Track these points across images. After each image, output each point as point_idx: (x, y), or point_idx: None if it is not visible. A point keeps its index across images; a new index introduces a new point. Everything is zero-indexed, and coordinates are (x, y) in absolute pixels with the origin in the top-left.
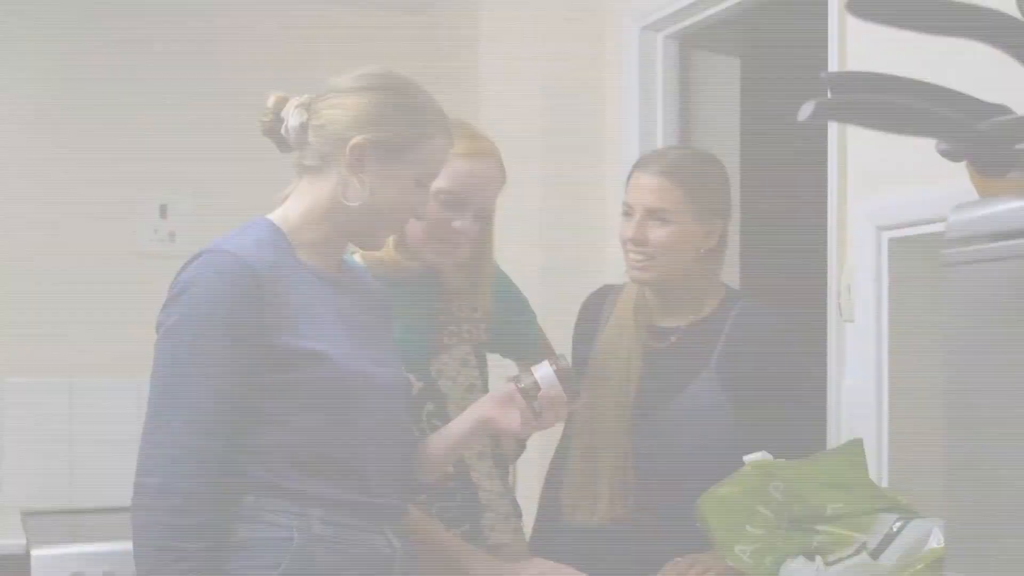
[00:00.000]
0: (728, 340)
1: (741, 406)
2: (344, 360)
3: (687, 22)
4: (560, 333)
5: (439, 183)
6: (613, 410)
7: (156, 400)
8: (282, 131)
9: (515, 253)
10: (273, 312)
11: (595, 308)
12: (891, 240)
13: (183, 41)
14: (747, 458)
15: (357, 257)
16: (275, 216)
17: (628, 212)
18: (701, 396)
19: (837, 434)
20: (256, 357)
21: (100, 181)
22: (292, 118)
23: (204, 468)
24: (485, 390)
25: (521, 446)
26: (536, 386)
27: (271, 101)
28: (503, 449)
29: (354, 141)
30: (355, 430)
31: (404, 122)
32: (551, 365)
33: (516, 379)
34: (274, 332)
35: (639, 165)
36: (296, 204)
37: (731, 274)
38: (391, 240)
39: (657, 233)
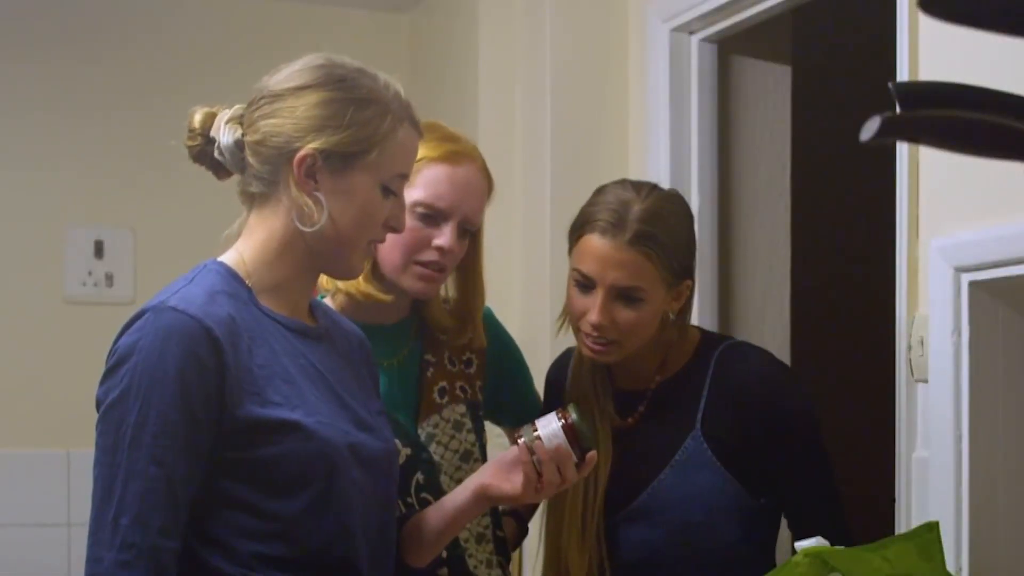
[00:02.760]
0: (712, 395)
1: (744, 474)
2: (323, 429)
3: (726, 23)
4: None
5: (413, 194)
6: (581, 510)
7: (100, 491)
8: (215, 154)
9: (517, 295)
10: (234, 378)
11: (559, 377)
12: (972, 284)
13: (125, 46)
14: (799, 545)
15: (328, 300)
16: (228, 258)
17: (584, 284)
18: (690, 469)
19: (907, 516)
20: (216, 433)
21: (21, 212)
22: (225, 136)
23: (160, 572)
24: (483, 458)
25: (524, 528)
26: (539, 443)
27: (197, 119)
28: (504, 530)
29: (300, 154)
30: (340, 514)
31: (356, 120)
32: (559, 419)
33: (517, 434)
34: (235, 402)
35: (594, 226)
36: (249, 241)
37: (780, 323)
38: None
39: (626, 315)
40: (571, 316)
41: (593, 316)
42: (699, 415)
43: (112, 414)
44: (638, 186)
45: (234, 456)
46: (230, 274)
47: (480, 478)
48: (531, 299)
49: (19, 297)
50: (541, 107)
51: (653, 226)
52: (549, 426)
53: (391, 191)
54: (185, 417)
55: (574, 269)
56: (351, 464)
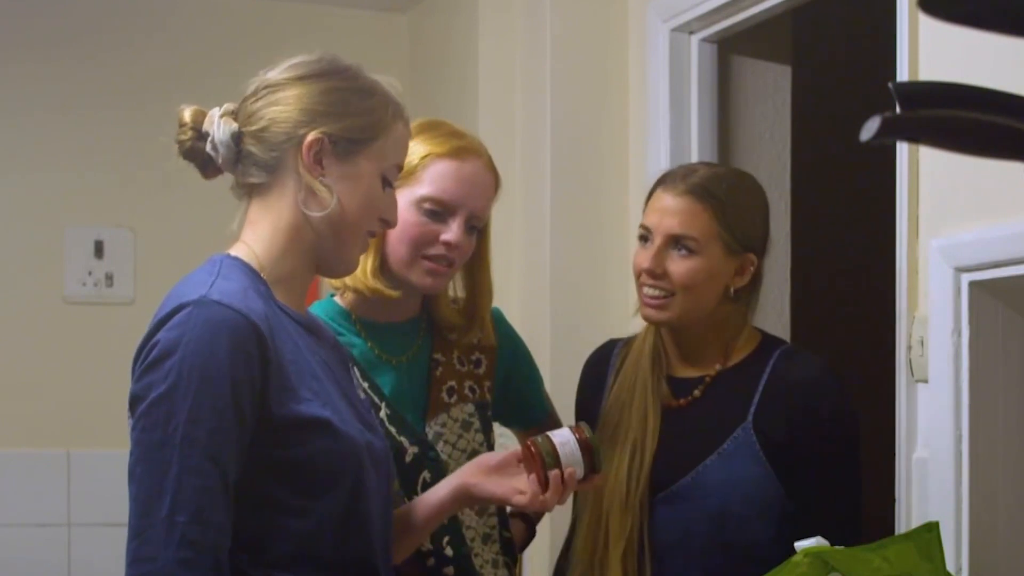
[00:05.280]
0: (767, 391)
1: (785, 474)
2: (347, 427)
3: (726, 23)
4: (571, 399)
5: (420, 190)
6: (626, 480)
7: (147, 489)
8: (208, 149)
9: (517, 295)
10: (275, 374)
11: (600, 366)
12: (972, 284)
13: (125, 46)
14: (799, 545)
15: (337, 299)
16: (239, 252)
17: (645, 236)
18: (736, 460)
19: (907, 516)
20: (259, 431)
21: (21, 212)
22: (219, 131)
23: (220, 570)
24: None
25: (532, 530)
26: (554, 455)
27: (187, 114)
28: (512, 532)
29: (309, 138)
30: (362, 513)
31: (361, 109)
32: (574, 434)
33: (532, 443)
34: (276, 398)
35: (662, 182)
36: (255, 234)
37: (780, 323)
38: (369, 266)
39: (679, 266)
40: (634, 275)
41: (646, 262)
42: (752, 408)
43: (158, 410)
44: (713, 163)
45: (271, 454)
46: (248, 268)
47: (462, 478)
48: (531, 299)
49: (19, 297)
50: (541, 107)
51: (716, 182)
52: (566, 442)
53: (388, 182)
54: (236, 413)
55: (639, 227)
56: (369, 462)
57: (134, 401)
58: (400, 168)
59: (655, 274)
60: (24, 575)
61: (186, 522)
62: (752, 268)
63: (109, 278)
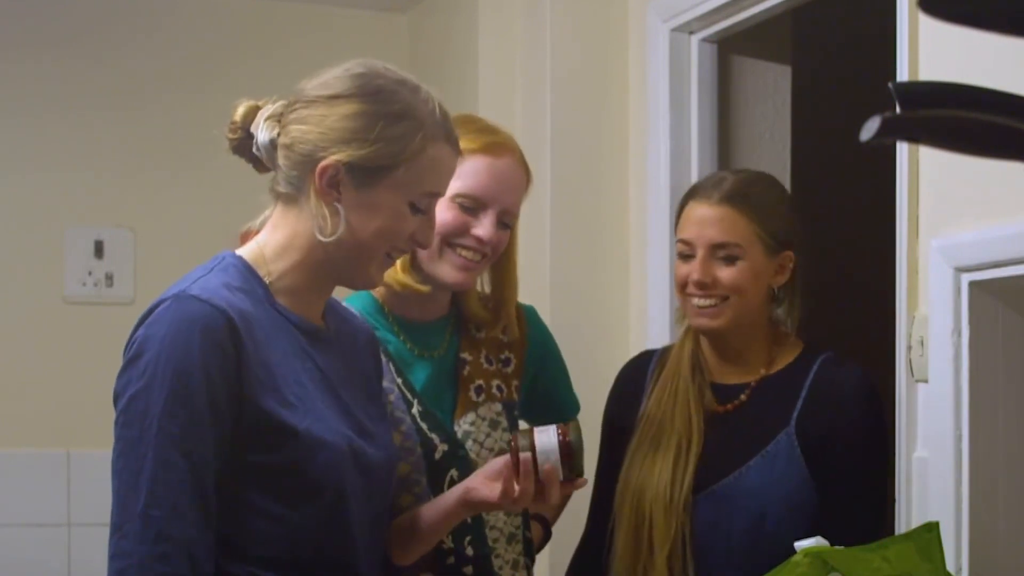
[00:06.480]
0: (810, 397)
1: (818, 477)
2: (330, 436)
3: (726, 23)
4: None
5: (454, 186)
6: (669, 484)
7: (126, 485)
8: (254, 149)
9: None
10: (253, 368)
11: (637, 380)
12: (972, 284)
13: (125, 45)
14: (799, 545)
15: (374, 292)
16: (248, 252)
17: (686, 252)
18: (778, 462)
19: (907, 516)
20: (235, 424)
21: (21, 212)
22: (262, 133)
23: (196, 565)
24: None
25: (548, 532)
26: (531, 450)
27: (240, 112)
28: (531, 533)
29: (322, 164)
30: (344, 519)
31: (385, 136)
32: (558, 433)
33: (513, 439)
34: (255, 393)
35: (693, 195)
36: (271, 237)
37: None
38: (399, 261)
39: (725, 273)
40: (677, 290)
41: (695, 274)
42: (795, 413)
43: (135, 406)
44: (735, 169)
45: (247, 459)
46: (248, 269)
47: (466, 482)
48: (531, 299)
49: (19, 297)
50: (541, 107)
51: (745, 188)
52: (547, 440)
53: (419, 209)
54: (211, 408)
55: (678, 242)
56: (354, 471)
57: (116, 398)
58: (434, 195)
59: (705, 284)
60: (24, 575)
61: (161, 517)
62: (791, 264)
63: (109, 278)
